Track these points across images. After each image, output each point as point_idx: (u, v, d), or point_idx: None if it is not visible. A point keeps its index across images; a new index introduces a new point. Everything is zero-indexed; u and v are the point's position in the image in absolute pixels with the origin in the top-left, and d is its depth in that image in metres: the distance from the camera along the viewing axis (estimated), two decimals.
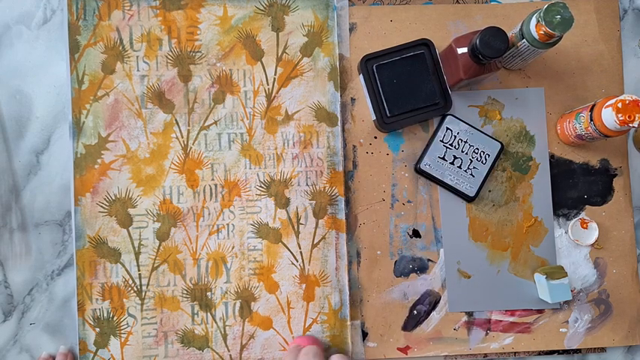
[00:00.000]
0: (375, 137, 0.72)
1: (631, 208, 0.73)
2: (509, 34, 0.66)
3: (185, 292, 0.69)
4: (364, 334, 0.71)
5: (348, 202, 0.72)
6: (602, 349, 0.73)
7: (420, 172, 0.71)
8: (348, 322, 0.70)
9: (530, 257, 0.72)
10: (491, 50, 0.62)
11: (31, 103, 0.71)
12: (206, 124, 0.70)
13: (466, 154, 0.71)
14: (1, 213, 0.70)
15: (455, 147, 0.71)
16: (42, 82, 0.71)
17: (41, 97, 0.71)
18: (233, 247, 0.70)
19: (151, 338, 0.69)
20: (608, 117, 0.63)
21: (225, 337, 0.69)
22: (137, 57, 0.70)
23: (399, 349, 0.71)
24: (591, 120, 0.65)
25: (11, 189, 0.70)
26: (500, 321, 0.71)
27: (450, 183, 0.71)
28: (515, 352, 0.72)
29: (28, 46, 0.71)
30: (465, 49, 0.66)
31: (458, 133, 0.71)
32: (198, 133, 0.70)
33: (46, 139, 0.71)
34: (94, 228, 0.69)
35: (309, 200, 0.71)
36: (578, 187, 0.73)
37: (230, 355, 0.69)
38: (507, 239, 0.72)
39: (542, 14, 0.61)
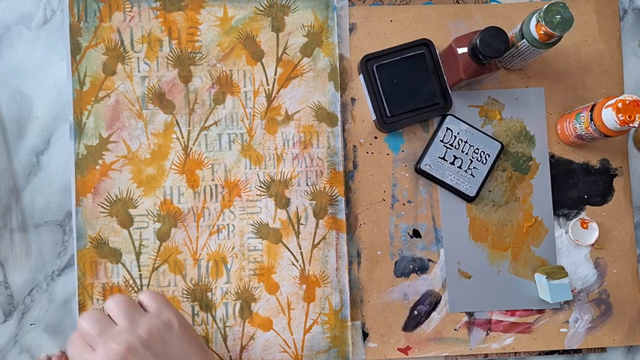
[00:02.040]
0: (376, 137, 0.72)
1: (631, 208, 0.73)
2: (510, 34, 0.66)
3: (185, 292, 0.69)
4: (365, 335, 0.71)
5: (348, 202, 0.72)
6: (603, 349, 0.73)
7: (421, 172, 0.71)
8: (349, 323, 0.70)
9: (530, 257, 0.72)
10: (492, 50, 0.62)
11: (31, 104, 0.71)
12: (206, 124, 0.70)
13: (466, 154, 0.71)
14: (1, 213, 0.70)
15: (455, 147, 0.71)
16: (42, 82, 0.71)
17: (41, 97, 0.71)
18: (233, 248, 0.70)
19: None
20: (609, 117, 0.63)
21: (225, 337, 0.69)
22: (138, 58, 0.70)
23: (399, 349, 0.71)
24: (591, 120, 0.66)
25: (11, 189, 0.70)
26: (501, 321, 0.71)
27: (450, 183, 0.71)
28: (515, 353, 0.72)
29: (28, 46, 0.71)
30: (465, 49, 0.66)
31: (458, 133, 0.71)
32: (198, 134, 0.70)
33: (46, 139, 0.71)
34: (94, 228, 0.69)
35: (310, 200, 0.71)
36: (579, 187, 0.73)
37: (230, 356, 0.69)
38: (507, 239, 0.72)
39: (542, 14, 0.61)
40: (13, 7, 0.71)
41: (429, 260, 0.72)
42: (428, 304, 0.71)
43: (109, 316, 0.57)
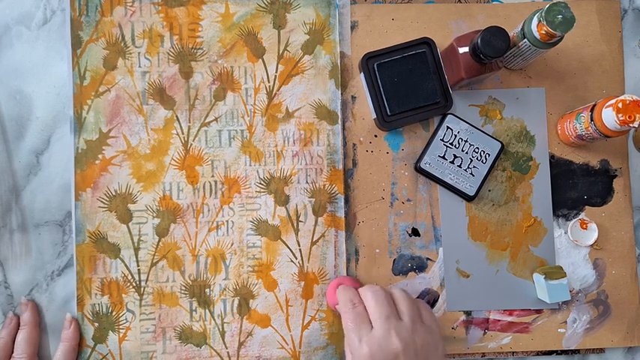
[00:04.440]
0: (376, 136, 0.72)
1: (631, 209, 0.73)
2: (511, 34, 0.66)
3: (184, 288, 0.69)
4: None
5: (347, 200, 0.72)
6: (601, 350, 0.73)
7: (420, 170, 0.71)
8: None
9: (529, 257, 0.72)
10: (493, 50, 0.62)
11: (31, 104, 0.71)
12: (207, 120, 0.70)
13: (466, 153, 0.71)
14: (1, 213, 0.70)
15: (455, 146, 0.71)
16: (42, 82, 0.71)
17: (41, 97, 0.71)
18: (232, 244, 0.70)
19: (149, 334, 0.69)
20: (609, 117, 0.63)
21: (223, 334, 0.69)
22: (139, 53, 0.70)
23: None
24: (592, 120, 0.66)
25: (11, 189, 0.70)
26: (499, 320, 0.71)
27: (449, 182, 0.71)
28: (513, 352, 0.72)
29: (28, 46, 0.71)
30: (466, 49, 0.66)
31: (458, 133, 0.71)
32: (198, 130, 0.70)
33: (46, 139, 0.71)
34: (93, 223, 0.69)
35: (309, 198, 0.71)
36: (578, 187, 0.73)
37: (228, 353, 0.69)
38: (507, 239, 0.72)
39: (543, 14, 0.61)
40: (13, 7, 0.71)
41: (428, 259, 0.72)
42: (426, 302, 0.71)
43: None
